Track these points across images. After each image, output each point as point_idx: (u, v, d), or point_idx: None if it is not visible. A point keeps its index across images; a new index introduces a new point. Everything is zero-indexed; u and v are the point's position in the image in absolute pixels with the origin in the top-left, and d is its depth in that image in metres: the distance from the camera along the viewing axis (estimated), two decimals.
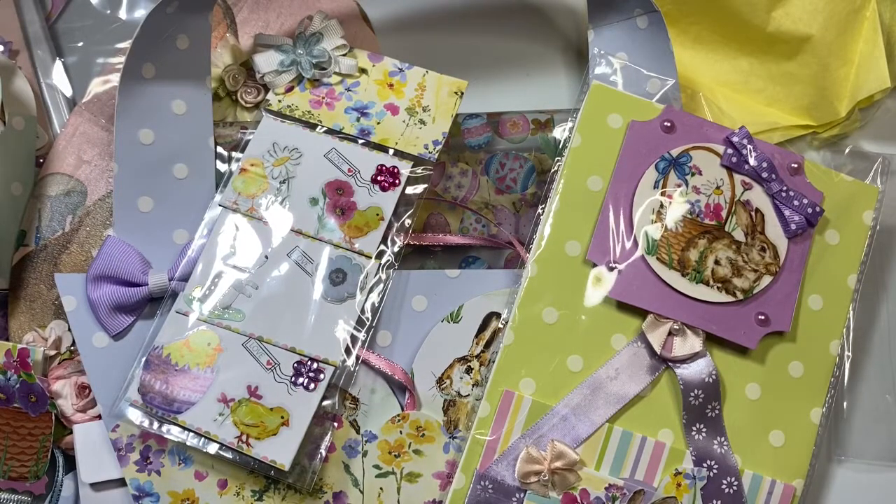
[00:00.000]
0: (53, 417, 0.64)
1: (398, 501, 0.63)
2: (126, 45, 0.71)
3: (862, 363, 0.70)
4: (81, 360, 0.64)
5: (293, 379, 0.61)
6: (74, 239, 0.68)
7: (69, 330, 0.65)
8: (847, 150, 0.70)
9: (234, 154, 0.67)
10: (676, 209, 0.64)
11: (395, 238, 0.65)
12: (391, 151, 0.66)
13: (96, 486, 0.63)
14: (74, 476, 0.64)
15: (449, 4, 0.79)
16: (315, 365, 0.62)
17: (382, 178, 0.66)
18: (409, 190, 0.66)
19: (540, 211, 0.65)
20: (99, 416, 0.64)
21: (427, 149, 0.66)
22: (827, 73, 0.73)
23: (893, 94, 0.75)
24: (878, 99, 0.74)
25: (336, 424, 0.63)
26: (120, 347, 0.64)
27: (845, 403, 0.69)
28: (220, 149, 0.68)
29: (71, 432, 0.64)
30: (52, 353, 0.66)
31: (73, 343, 0.65)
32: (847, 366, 0.69)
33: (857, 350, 0.69)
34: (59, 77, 0.74)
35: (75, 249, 0.68)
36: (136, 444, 0.62)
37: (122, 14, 0.76)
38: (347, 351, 0.62)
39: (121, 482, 0.63)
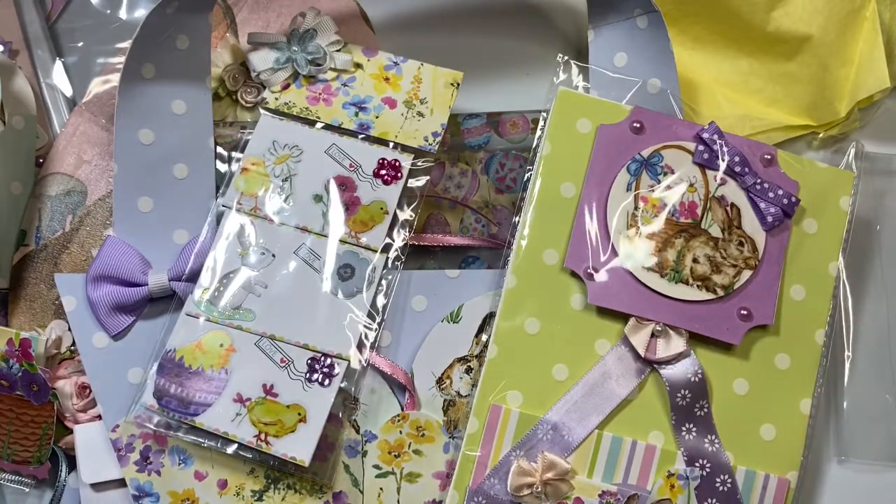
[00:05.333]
0: (55, 407, 0.64)
1: (398, 501, 0.63)
2: (126, 45, 0.71)
3: (862, 363, 0.70)
4: (81, 360, 0.64)
5: (308, 375, 0.61)
6: (74, 239, 0.68)
7: (69, 330, 0.65)
8: (851, 151, 0.70)
9: (234, 154, 0.67)
10: (651, 210, 0.64)
11: (401, 231, 0.65)
12: (391, 145, 0.66)
13: (97, 487, 0.63)
14: (75, 476, 0.64)
15: (449, 4, 0.78)
16: (328, 360, 0.62)
17: (384, 171, 0.66)
18: (412, 182, 0.66)
19: (515, 221, 0.65)
20: (99, 417, 0.64)
21: (427, 141, 0.66)
22: (827, 73, 0.73)
23: (893, 94, 0.75)
24: (878, 99, 0.74)
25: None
26: (120, 347, 0.64)
27: (845, 403, 0.69)
28: (220, 149, 0.68)
29: (71, 432, 0.64)
30: (53, 352, 0.66)
31: (73, 343, 0.65)
32: (847, 366, 0.69)
33: (856, 350, 0.69)
34: (59, 77, 0.74)
35: (75, 249, 0.68)
36: (136, 444, 0.62)
37: (122, 14, 0.76)
38: (360, 345, 0.62)
39: (121, 482, 0.63)
